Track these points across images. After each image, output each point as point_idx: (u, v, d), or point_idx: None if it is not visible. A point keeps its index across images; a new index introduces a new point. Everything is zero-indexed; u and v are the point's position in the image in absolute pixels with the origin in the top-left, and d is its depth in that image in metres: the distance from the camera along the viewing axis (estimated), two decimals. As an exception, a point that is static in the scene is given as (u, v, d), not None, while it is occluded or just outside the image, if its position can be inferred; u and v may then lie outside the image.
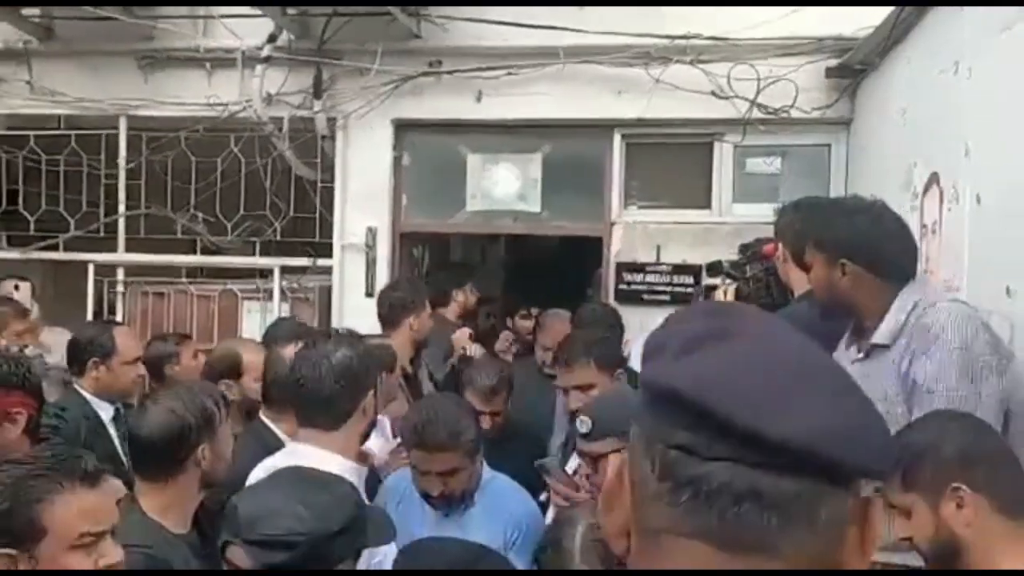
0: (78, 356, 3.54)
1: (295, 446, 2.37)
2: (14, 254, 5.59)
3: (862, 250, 2.39)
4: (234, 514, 1.72)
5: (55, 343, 4.49)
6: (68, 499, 1.74)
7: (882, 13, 3.92)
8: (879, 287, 2.39)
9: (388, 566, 2.32)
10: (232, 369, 3.35)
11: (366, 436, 2.45)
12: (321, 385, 2.32)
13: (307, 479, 1.86)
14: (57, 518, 1.72)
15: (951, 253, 2.96)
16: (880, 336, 2.38)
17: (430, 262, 5.78)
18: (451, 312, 5.17)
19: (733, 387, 0.70)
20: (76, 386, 3.51)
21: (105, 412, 3.43)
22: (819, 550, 0.71)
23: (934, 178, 3.19)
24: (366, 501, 2.25)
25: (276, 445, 2.64)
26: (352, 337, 2.49)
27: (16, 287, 5.24)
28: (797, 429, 0.68)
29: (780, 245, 3.06)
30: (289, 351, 2.88)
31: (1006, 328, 2.43)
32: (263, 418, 2.98)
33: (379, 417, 3.40)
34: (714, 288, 3.59)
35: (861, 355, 2.47)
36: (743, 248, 3.75)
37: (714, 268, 3.72)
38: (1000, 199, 2.61)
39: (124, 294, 5.51)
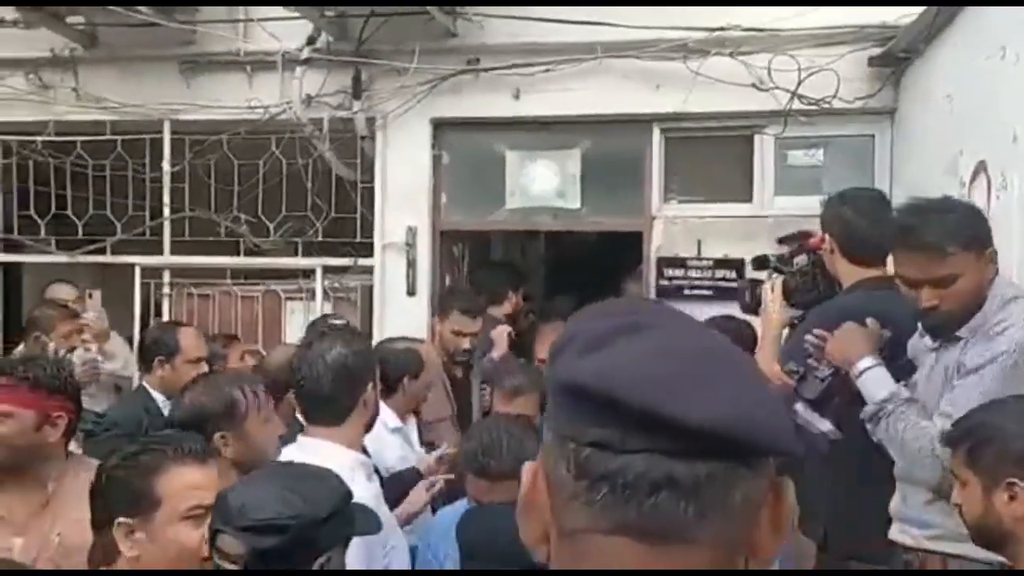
0: (145, 355, 3.88)
1: (304, 440, 2.47)
2: (62, 258, 5.70)
3: (990, 231, 2.35)
4: (224, 503, 1.75)
5: (111, 349, 4.61)
6: (181, 471, 1.86)
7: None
8: (989, 277, 2.34)
9: (396, 563, 2.34)
10: None
11: (369, 426, 2.56)
12: (319, 384, 2.41)
13: (295, 470, 1.93)
14: (171, 489, 1.84)
15: (1001, 241, 2.88)
16: (966, 329, 2.33)
17: (470, 260, 5.79)
18: (501, 312, 5.19)
19: (642, 377, 0.69)
20: (144, 382, 3.83)
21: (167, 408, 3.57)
22: (736, 534, 0.71)
23: (981, 166, 3.12)
24: (371, 488, 2.38)
25: None
26: (347, 334, 2.61)
27: (89, 295, 5.39)
28: (711, 413, 0.68)
29: (827, 237, 3.01)
30: None
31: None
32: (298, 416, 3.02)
33: (402, 425, 3.42)
34: (760, 282, 3.55)
35: (937, 344, 2.43)
36: (781, 240, 3.72)
37: (760, 262, 3.67)
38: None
39: (170, 296, 5.59)
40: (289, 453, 2.36)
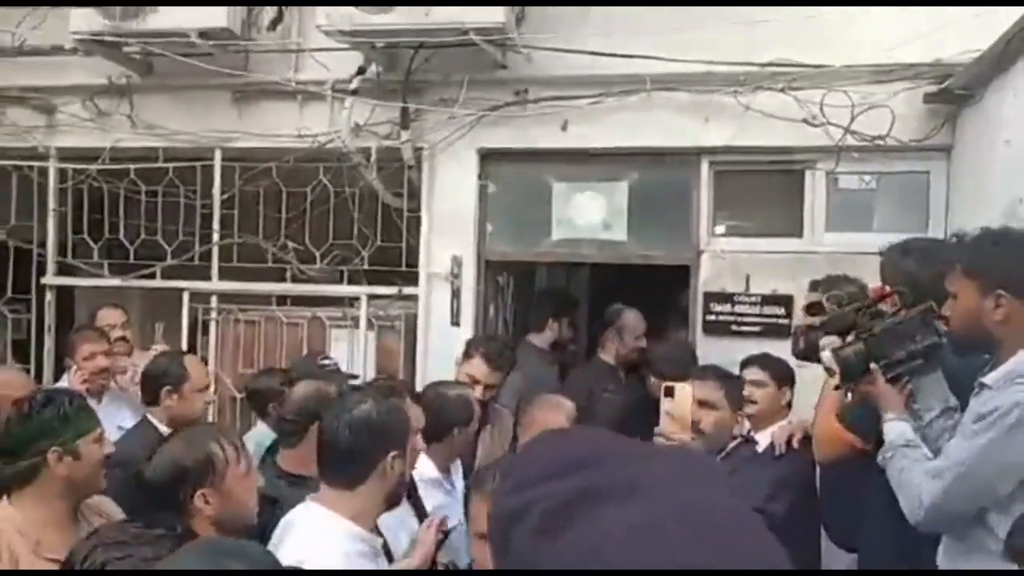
0: (151, 387, 3.78)
1: (311, 505, 2.29)
2: (114, 281, 5.80)
3: (1020, 281, 2.30)
4: None
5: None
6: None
7: (987, 39, 3.77)
8: (996, 319, 2.31)
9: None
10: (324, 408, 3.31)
11: (393, 501, 2.34)
12: (337, 439, 2.26)
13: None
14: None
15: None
16: (991, 378, 2.33)
17: (515, 291, 5.77)
18: (542, 340, 5.14)
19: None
20: (148, 415, 3.74)
21: None
22: None
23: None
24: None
25: None
26: (382, 390, 2.47)
27: (158, 327, 5.47)
28: None
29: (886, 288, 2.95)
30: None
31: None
32: None
33: (440, 477, 3.29)
34: (814, 328, 3.45)
35: (975, 391, 2.42)
36: (814, 285, 3.64)
37: (815, 308, 3.60)
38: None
39: (217, 321, 5.65)
40: (293, 518, 2.26)
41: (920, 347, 2.45)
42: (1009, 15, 3.52)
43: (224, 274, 5.68)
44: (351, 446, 2.24)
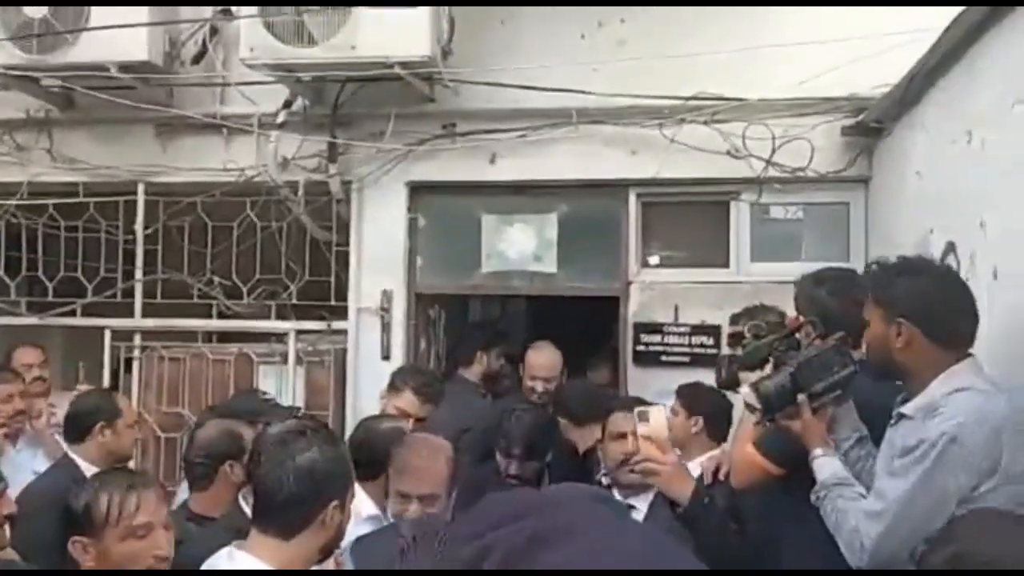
0: (81, 423, 3.70)
1: (232, 552, 2.14)
2: (32, 320, 5.62)
3: (920, 311, 2.34)
4: None
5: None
6: None
7: (898, 73, 3.87)
8: (932, 353, 2.34)
9: None
10: (235, 449, 3.07)
11: (329, 553, 2.22)
12: (279, 488, 2.10)
13: None
14: None
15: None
16: (910, 408, 2.35)
17: (447, 323, 5.74)
18: (472, 373, 5.11)
19: None
20: (71, 454, 3.66)
21: None
22: None
23: (950, 247, 3.12)
24: None
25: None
26: (326, 436, 2.25)
27: (81, 366, 5.33)
28: None
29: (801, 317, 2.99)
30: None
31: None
32: (241, 500, 2.74)
33: (379, 513, 3.12)
34: (735, 357, 3.48)
35: (892, 421, 2.44)
36: (734, 318, 3.69)
37: (735, 339, 3.64)
38: (1020, 274, 2.53)
39: (140, 359, 5.51)
40: (215, 563, 2.14)
41: (838, 378, 2.47)
42: (918, 50, 3.62)
43: (148, 311, 5.55)
44: (292, 495, 2.10)
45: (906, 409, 2.38)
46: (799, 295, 2.99)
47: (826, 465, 2.47)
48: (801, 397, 2.50)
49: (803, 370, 2.50)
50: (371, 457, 3.00)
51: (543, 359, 4.61)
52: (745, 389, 2.62)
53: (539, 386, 4.52)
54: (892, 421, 2.45)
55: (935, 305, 2.35)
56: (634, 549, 0.72)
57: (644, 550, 0.72)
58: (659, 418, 2.65)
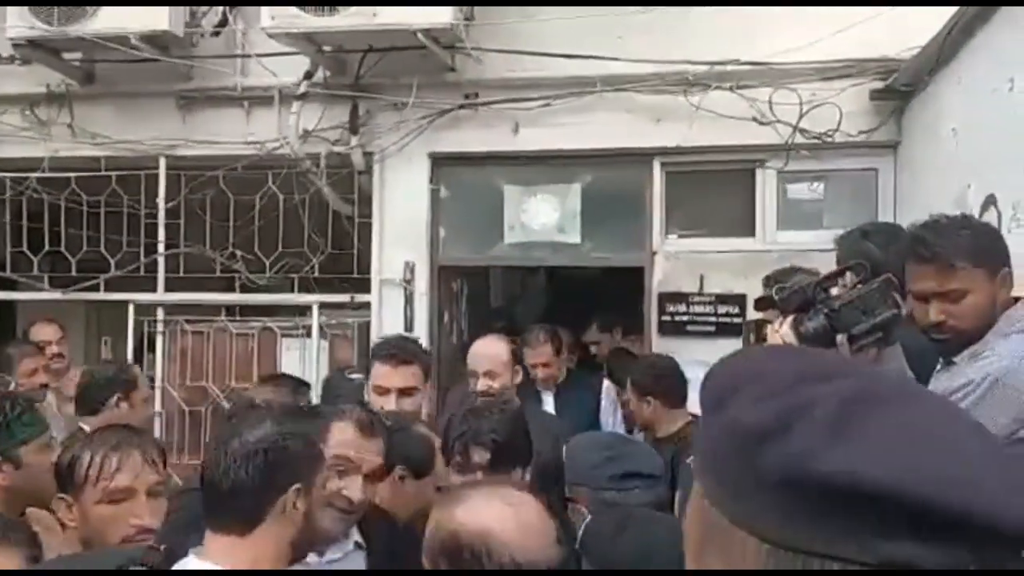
0: (96, 396, 3.61)
1: (188, 561, 1.78)
2: (56, 295, 5.63)
3: (1007, 253, 2.30)
4: None
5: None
6: None
7: (927, 34, 3.81)
8: (1004, 299, 2.30)
9: None
10: None
11: (303, 550, 1.88)
12: (223, 473, 1.75)
13: None
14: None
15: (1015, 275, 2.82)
16: (962, 355, 2.31)
17: (469, 295, 5.71)
18: None
19: (937, 472, 0.56)
20: (82, 425, 3.48)
21: None
22: None
23: (991, 199, 3.06)
24: None
25: None
26: (285, 410, 1.96)
27: (105, 342, 5.28)
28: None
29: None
30: None
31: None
32: None
33: None
34: (766, 322, 3.41)
35: (938, 368, 2.40)
36: (766, 280, 3.63)
37: (764, 302, 3.58)
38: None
39: (164, 333, 5.51)
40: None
41: (880, 320, 2.41)
42: (947, 10, 3.56)
43: (170, 285, 5.54)
44: (239, 481, 1.74)
45: (956, 358, 2.33)
46: (843, 249, 2.92)
47: None
48: (840, 338, 2.43)
49: (843, 312, 2.43)
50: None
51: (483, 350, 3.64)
52: (786, 329, 2.56)
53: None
54: (937, 368, 2.40)
55: (1003, 245, 2.32)
56: (970, 420, 0.62)
57: (966, 430, 0.62)
58: (776, 332, 2.35)
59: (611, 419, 4.44)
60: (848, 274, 2.52)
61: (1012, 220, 2.85)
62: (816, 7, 4.50)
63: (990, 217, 3.07)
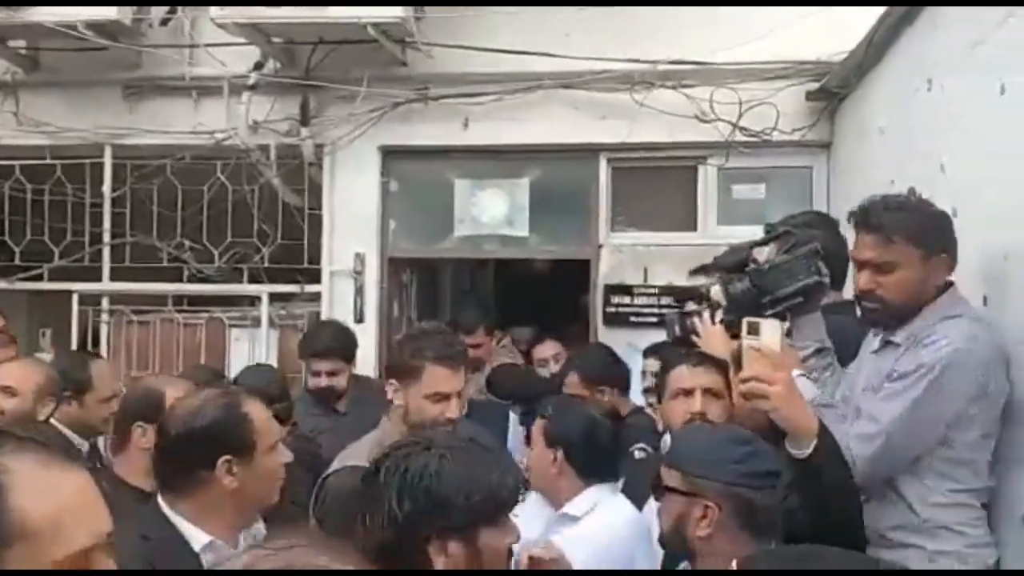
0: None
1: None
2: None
3: (948, 241, 2.37)
4: None
5: None
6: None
7: (859, 36, 3.98)
8: (941, 282, 2.39)
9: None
10: (151, 410, 2.61)
11: (246, 515, 2.02)
12: (164, 443, 2.02)
13: None
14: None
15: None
16: (899, 336, 2.40)
17: (419, 287, 5.78)
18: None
19: None
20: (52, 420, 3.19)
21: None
22: None
23: (911, 193, 3.22)
24: None
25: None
26: (222, 392, 2.11)
27: (43, 333, 5.09)
28: None
29: None
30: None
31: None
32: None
33: None
34: (690, 313, 3.35)
35: (876, 348, 2.50)
36: (693, 272, 3.70)
37: (699, 271, 3.69)
38: (975, 211, 2.64)
39: (109, 324, 5.48)
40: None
41: (801, 284, 2.51)
42: (881, 11, 3.72)
43: (116, 275, 5.51)
44: (174, 452, 1.99)
45: (895, 337, 2.42)
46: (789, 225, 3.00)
47: (804, 387, 2.43)
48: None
49: (770, 274, 2.54)
50: None
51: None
52: (716, 288, 2.66)
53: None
54: (875, 348, 2.50)
55: (949, 232, 2.40)
56: None
57: None
58: (773, 330, 2.21)
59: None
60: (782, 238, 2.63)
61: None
62: (753, 7, 4.66)
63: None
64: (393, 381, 2.64)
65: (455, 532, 1.63)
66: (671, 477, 1.98)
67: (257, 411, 2.05)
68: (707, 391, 2.50)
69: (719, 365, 2.55)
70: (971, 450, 2.33)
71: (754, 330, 2.23)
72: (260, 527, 2.06)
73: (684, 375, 2.56)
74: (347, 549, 1.09)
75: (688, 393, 2.52)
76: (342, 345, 4.24)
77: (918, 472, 2.35)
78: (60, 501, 1.09)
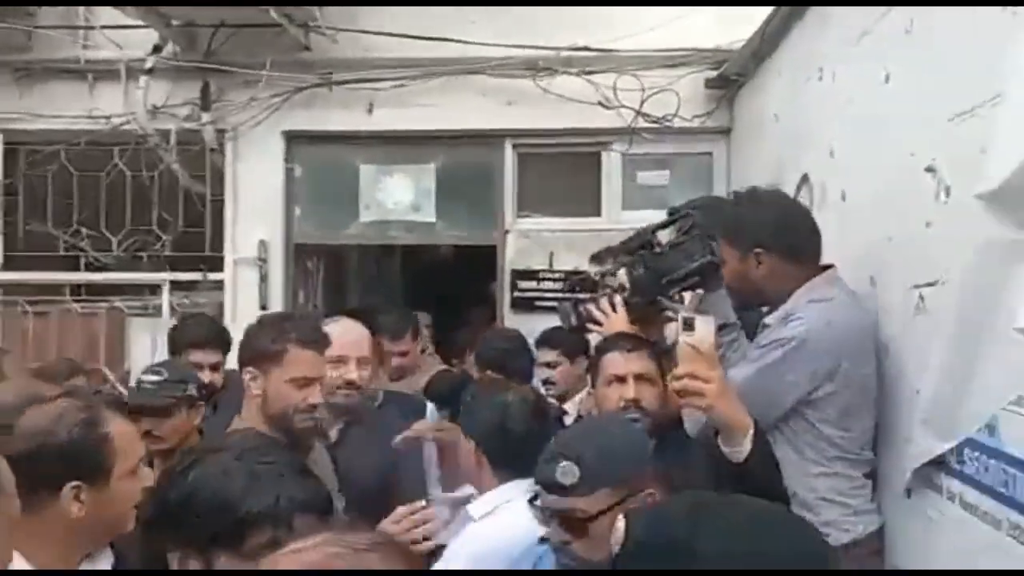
0: None
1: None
2: None
3: (771, 236, 2.50)
4: None
5: None
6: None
7: (755, 24, 4.13)
8: (788, 271, 2.52)
9: None
10: None
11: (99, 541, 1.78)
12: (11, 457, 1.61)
13: None
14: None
15: (824, 248, 3.13)
16: (771, 318, 2.54)
17: (325, 274, 5.74)
18: None
19: None
20: None
21: None
22: None
23: (804, 178, 3.37)
24: None
25: None
26: (82, 405, 1.80)
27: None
28: None
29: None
30: None
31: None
32: None
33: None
34: (583, 300, 3.01)
35: (759, 331, 2.61)
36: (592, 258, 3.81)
37: (596, 257, 3.78)
38: (863, 195, 2.79)
39: (2, 314, 5.28)
40: None
41: (696, 265, 2.62)
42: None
43: (9, 264, 5.31)
44: (17, 468, 1.53)
45: (768, 319, 2.57)
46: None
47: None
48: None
49: (669, 256, 2.64)
50: None
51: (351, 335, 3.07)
52: (622, 272, 2.74)
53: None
54: (760, 330, 2.64)
55: (780, 227, 2.54)
56: None
57: None
58: (706, 328, 2.17)
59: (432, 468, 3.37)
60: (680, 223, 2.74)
61: (821, 196, 3.16)
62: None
63: (804, 195, 3.39)
64: (251, 368, 2.40)
65: (192, 548, 1.46)
66: None
67: (120, 429, 1.80)
68: (640, 377, 2.48)
69: (653, 351, 2.55)
70: (831, 426, 2.45)
71: (689, 326, 2.18)
72: (108, 555, 1.84)
73: (617, 361, 2.52)
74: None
75: (621, 380, 2.49)
76: (220, 335, 3.74)
77: (797, 449, 2.48)
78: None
